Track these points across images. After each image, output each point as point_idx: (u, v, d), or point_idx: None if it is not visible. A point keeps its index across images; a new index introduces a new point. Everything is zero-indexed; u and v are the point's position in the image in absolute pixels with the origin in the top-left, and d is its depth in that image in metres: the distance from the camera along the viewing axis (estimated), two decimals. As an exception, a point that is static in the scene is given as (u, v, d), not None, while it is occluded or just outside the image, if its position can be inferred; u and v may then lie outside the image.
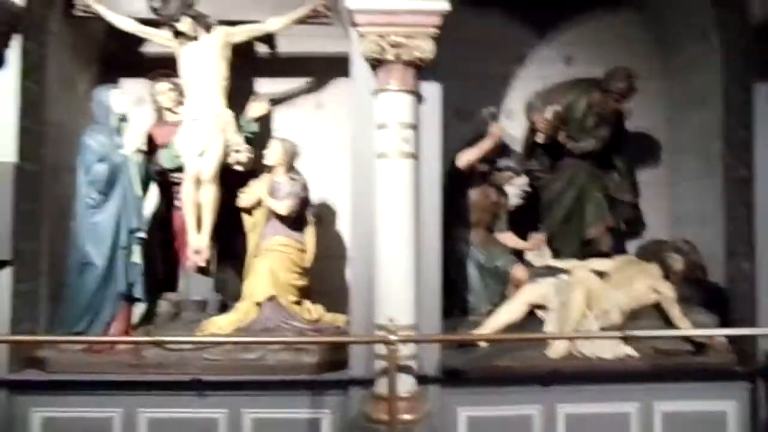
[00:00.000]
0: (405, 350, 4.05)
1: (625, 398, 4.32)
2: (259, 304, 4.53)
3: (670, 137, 5.52)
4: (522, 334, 4.33)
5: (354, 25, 4.12)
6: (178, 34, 4.62)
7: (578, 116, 4.87)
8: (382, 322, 4.10)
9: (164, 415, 4.22)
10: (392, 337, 3.80)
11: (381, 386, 4.11)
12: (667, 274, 4.61)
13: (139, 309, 4.57)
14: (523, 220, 5.21)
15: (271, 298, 4.51)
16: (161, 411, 4.22)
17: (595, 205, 4.98)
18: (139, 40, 5.41)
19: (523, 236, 5.18)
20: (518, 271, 4.75)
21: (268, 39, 5.27)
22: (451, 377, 4.24)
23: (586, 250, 5.02)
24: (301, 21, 4.77)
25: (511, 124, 5.40)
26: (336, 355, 4.40)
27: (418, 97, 4.20)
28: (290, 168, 4.71)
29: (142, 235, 4.45)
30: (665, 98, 5.47)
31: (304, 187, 4.70)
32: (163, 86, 4.87)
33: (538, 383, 4.30)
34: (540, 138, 4.85)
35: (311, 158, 5.06)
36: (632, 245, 5.38)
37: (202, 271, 4.72)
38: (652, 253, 4.90)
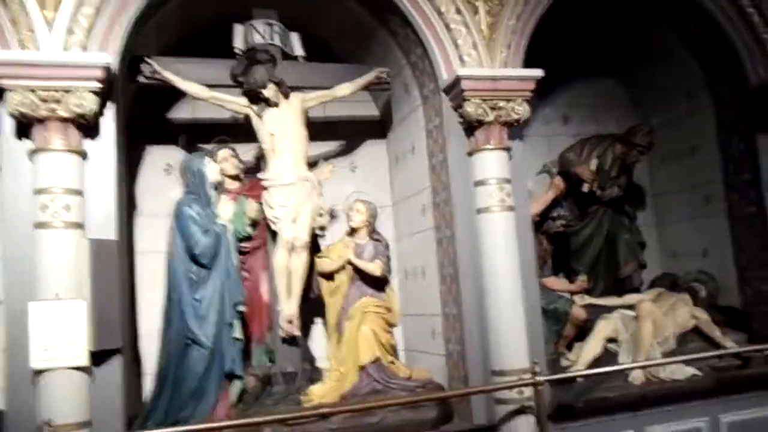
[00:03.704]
0: (527, 393, 4.27)
1: (696, 414, 4.83)
2: (362, 368, 4.47)
3: (652, 184, 6.34)
4: (623, 366, 4.72)
5: (453, 91, 4.40)
6: (253, 100, 4.54)
7: (606, 167, 5.48)
8: (499, 368, 4.32)
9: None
10: (539, 378, 3.99)
11: (507, 431, 4.27)
12: (695, 301, 5.27)
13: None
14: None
15: (375, 360, 4.49)
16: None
17: (626, 246, 5.59)
18: (165, 107, 5.25)
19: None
20: (578, 311, 5.14)
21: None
22: (562, 413, 4.48)
23: (618, 286, 5.56)
24: (365, 87, 4.91)
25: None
26: (445, 408, 4.48)
27: (510, 154, 4.53)
28: (372, 230, 4.77)
29: (243, 308, 4.24)
30: (646, 151, 6.25)
31: (387, 247, 4.77)
32: (226, 153, 4.70)
33: (630, 410, 4.69)
34: (585, 188, 5.37)
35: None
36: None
37: (289, 341, 4.55)
38: (668, 284, 5.60)
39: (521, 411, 4.25)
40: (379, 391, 4.45)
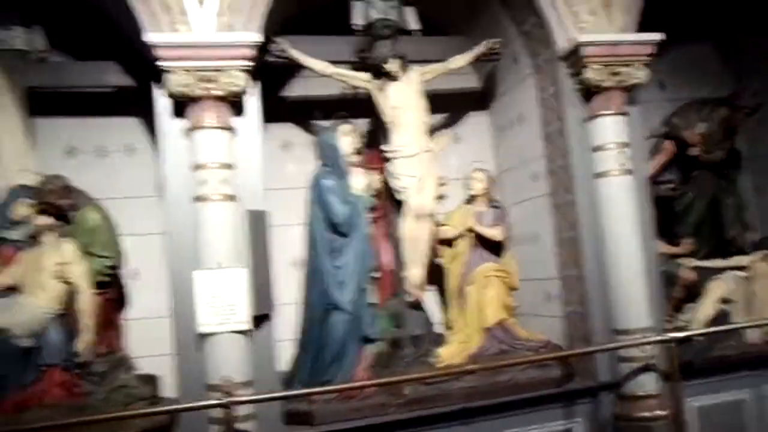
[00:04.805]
0: (650, 350, 4.41)
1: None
2: (487, 330, 4.65)
3: (750, 147, 6.34)
4: (741, 325, 4.85)
5: (572, 58, 4.51)
6: (375, 75, 4.70)
7: (712, 131, 5.53)
8: (622, 327, 4.46)
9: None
10: (676, 334, 4.12)
11: (632, 387, 4.42)
12: (801, 266, 5.31)
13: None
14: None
15: (500, 322, 4.67)
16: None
17: (732, 209, 5.64)
18: (282, 84, 5.42)
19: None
20: (688, 274, 5.24)
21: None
22: (683, 371, 4.58)
23: (723, 249, 5.62)
24: (477, 59, 5.02)
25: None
26: (567, 367, 4.64)
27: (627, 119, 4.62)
28: (490, 197, 4.93)
29: (378, 275, 4.45)
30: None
31: (506, 213, 4.92)
32: (346, 127, 4.85)
33: (747, 368, 4.80)
34: (694, 151, 5.44)
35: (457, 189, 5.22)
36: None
37: (415, 305, 4.74)
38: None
39: (646, 368, 4.39)
40: (505, 351, 4.63)
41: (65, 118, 4.92)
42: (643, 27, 4.70)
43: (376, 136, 5.03)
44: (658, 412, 4.34)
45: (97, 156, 5.02)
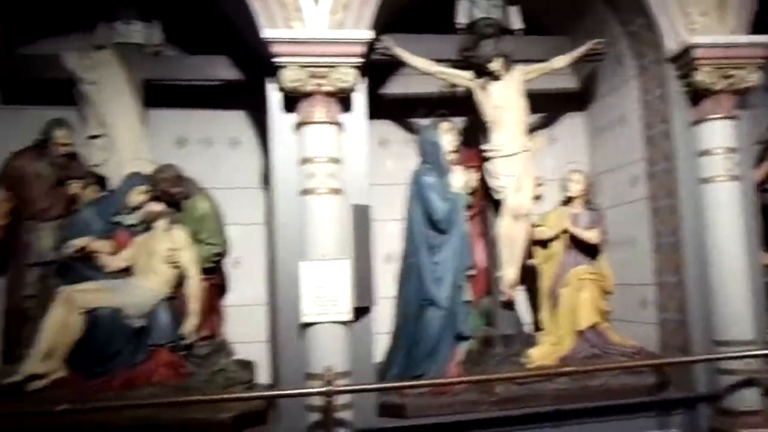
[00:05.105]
0: (754, 364, 4.27)
1: None
2: (580, 333, 4.62)
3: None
4: None
5: (681, 60, 4.41)
6: (478, 74, 4.72)
7: (817, 137, 5.33)
8: (723, 338, 4.33)
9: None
10: (780, 350, 4.00)
11: (732, 401, 4.30)
12: None
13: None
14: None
15: (593, 326, 4.62)
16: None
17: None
18: (381, 81, 5.48)
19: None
20: (792, 284, 5.06)
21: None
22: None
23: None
24: (580, 59, 4.96)
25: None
26: (662, 376, 4.55)
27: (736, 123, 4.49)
28: (587, 199, 4.88)
29: (474, 272, 4.47)
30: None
31: (603, 216, 4.87)
32: (446, 125, 4.88)
33: None
34: (805, 159, 5.26)
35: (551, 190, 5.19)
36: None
37: (507, 305, 4.74)
38: None
39: (748, 383, 4.26)
40: (597, 355, 4.59)
41: (175, 110, 5.14)
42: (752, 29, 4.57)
43: (472, 135, 5.05)
44: (761, 430, 4.22)
45: (203, 147, 5.22)
